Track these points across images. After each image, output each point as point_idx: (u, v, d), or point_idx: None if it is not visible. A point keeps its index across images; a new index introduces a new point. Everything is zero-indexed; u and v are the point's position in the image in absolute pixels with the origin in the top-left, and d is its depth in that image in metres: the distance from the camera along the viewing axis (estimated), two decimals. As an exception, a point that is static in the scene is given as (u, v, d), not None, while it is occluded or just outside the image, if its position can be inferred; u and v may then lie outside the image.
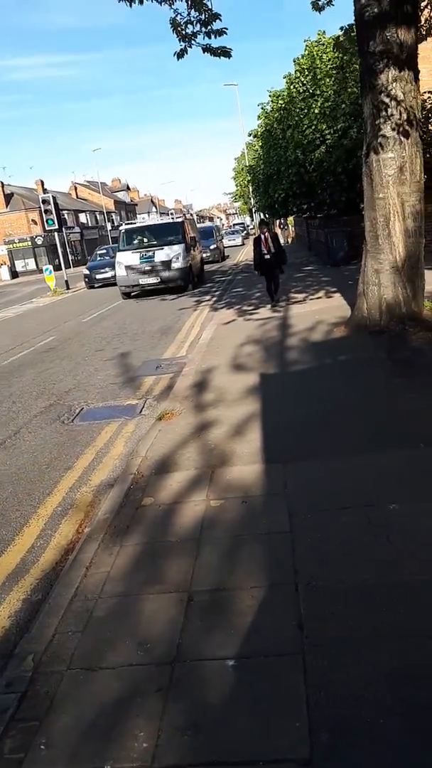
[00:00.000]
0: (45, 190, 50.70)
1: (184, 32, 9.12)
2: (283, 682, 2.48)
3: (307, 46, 20.96)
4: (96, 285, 27.20)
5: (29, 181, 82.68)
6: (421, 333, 7.67)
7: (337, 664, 2.52)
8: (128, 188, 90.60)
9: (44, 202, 26.77)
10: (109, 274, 25.48)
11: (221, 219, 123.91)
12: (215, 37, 9.03)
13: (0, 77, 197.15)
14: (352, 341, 8.25)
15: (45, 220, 27.08)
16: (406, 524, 3.50)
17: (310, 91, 20.31)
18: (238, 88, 64.31)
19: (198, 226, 34.89)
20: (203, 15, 8.90)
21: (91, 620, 3.11)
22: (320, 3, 10.05)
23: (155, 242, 19.96)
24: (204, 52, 9.21)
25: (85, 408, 7.55)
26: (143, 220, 25.14)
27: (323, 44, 20.37)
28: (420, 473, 4.11)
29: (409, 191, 7.83)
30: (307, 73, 20.56)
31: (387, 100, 7.54)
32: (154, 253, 19.32)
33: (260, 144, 26.37)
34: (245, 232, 56.73)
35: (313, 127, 19.19)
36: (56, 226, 26.59)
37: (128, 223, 23.36)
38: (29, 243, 55.90)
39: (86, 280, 28.18)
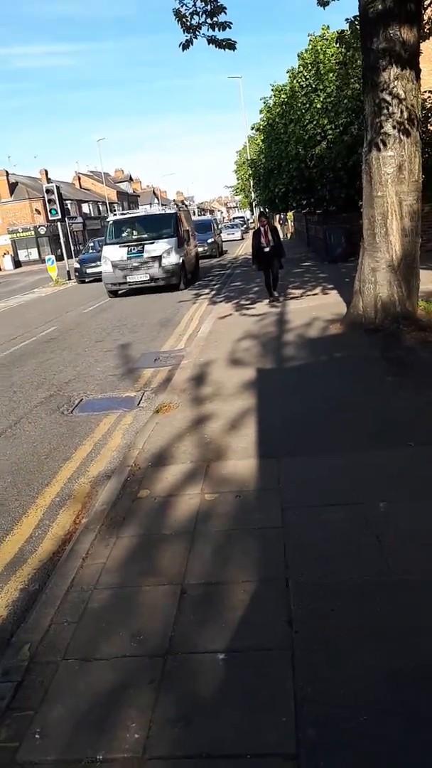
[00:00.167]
0: (49, 180, 50.53)
1: (188, 23, 9.11)
2: (271, 677, 2.53)
3: (311, 40, 20.90)
4: (87, 280, 25.08)
5: (33, 170, 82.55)
6: (415, 332, 7.73)
7: (324, 660, 2.57)
8: (131, 179, 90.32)
9: (48, 191, 26.57)
10: (100, 268, 24.09)
11: (222, 212, 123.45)
12: (220, 30, 9.04)
13: (4, 65, 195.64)
14: (347, 338, 8.30)
15: (48, 209, 26.85)
16: (396, 522, 3.55)
17: (313, 85, 20.27)
18: (242, 81, 63.98)
19: (195, 218, 33.85)
20: (209, 5, 8.89)
21: (87, 611, 3.16)
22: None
23: (145, 235, 18.48)
24: (209, 44, 9.21)
25: (84, 399, 7.59)
26: (146, 211, 24.04)
27: (327, 39, 20.30)
28: (411, 471, 4.17)
29: (407, 190, 7.86)
30: (310, 67, 20.51)
31: (388, 97, 7.56)
32: (143, 248, 17.87)
33: (262, 138, 26.27)
34: (245, 226, 56.01)
35: (315, 122, 19.13)
36: (59, 216, 26.28)
37: (119, 214, 21.75)
38: (32, 233, 55.57)
39: (77, 274, 26.35)
